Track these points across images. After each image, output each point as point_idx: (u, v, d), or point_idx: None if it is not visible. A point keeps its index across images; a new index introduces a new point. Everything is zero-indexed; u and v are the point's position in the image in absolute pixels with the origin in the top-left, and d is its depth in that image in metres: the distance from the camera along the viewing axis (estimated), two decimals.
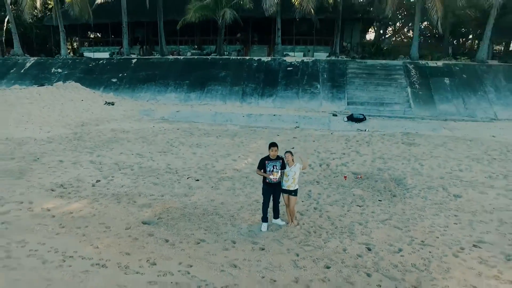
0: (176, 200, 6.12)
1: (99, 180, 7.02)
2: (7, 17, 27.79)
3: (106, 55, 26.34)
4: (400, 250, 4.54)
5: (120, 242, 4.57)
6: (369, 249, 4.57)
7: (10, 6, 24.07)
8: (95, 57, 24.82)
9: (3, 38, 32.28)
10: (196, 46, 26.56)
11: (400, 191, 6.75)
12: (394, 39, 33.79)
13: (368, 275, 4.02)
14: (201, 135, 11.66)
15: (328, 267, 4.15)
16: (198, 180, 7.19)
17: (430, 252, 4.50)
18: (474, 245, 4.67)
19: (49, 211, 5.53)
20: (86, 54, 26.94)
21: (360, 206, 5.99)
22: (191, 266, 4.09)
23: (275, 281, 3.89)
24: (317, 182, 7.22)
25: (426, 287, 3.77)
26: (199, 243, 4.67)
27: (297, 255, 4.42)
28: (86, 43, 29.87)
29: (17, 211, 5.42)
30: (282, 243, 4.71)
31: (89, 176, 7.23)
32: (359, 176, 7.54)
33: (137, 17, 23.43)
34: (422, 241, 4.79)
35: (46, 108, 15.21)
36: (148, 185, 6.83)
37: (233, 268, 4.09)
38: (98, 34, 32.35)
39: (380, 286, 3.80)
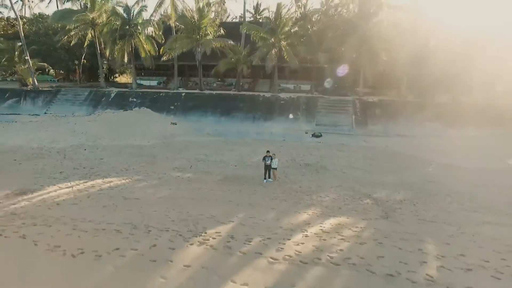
0: (229, 173, 13.38)
1: (191, 166, 14.37)
2: (84, 54, 36.00)
3: (154, 83, 34.35)
4: (320, 187, 11.79)
5: (200, 187, 11.90)
6: (310, 187, 11.72)
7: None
8: (146, 84, 32.97)
9: (81, 70, 40.21)
10: (219, 79, 34.18)
11: (323, 171, 13.96)
12: None
13: (309, 194, 11.22)
14: (232, 144, 18.97)
15: (286, 193, 11.38)
16: (236, 166, 14.49)
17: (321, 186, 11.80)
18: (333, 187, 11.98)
19: (178, 177, 12.87)
20: (140, 82, 34.72)
21: (303, 175, 13.13)
22: (240, 190, 11.38)
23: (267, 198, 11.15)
24: (287, 167, 14.33)
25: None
26: (242, 186, 11.96)
27: (276, 189, 11.58)
28: (142, 74, 37.64)
29: (157, 180, 12.80)
30: (272, 185, 11.90)
31: (187, 163, 14.58)
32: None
33: (182, 60, 31.02)
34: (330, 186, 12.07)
35: (136, 125, 22.69)
36: (214, 168, 14.15)
37: (253, 192, 11.35)
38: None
39: (313, 201, 11.08)
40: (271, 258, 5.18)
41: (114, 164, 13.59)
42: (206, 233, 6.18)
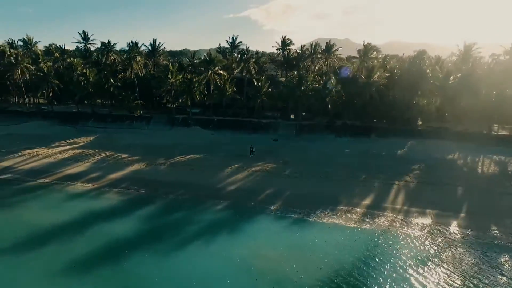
0: (235, 153, 39.38)
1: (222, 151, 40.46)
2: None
3: (197, 110, 60.34)
4: (264, 158, 37.70)
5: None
6: (264, 159, 37.76)
7: None
8: (194, 111, 59.12)
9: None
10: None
11: (275, 153, 39.82)
12: None
13: (258, 160, 37.14)
14: (238, 142, 44.94)
15: (254, 159, 37.35)
16: (237, 151, 40.54)
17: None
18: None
19: None
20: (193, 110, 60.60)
21: (265, 155, 39.12)
22: (240, 159, 37.38)
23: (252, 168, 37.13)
24: (259, 151, 40.28)
25: None
26: (241, 157, 37.86)
27: (252, 159, 37.50)
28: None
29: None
30: (251, 158, 37.83)
31: (220, 150, 40.62)
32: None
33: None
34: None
35: (194, 135, 48.82)
36: (228, 151, 40.20)
37: (243, 159, 37.28)
38: None
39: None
40: (252, 170, 31.26)
41: (191, 148, 39.90)
42: (231, 167, 32.32)
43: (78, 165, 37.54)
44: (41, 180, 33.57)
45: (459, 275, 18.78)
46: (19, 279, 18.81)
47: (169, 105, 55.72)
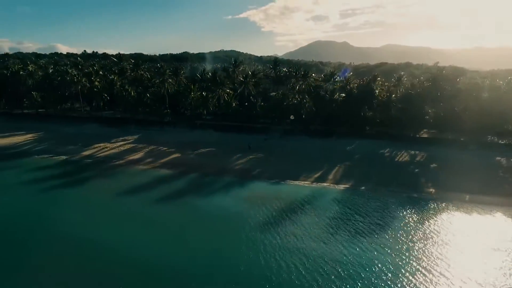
0: (239, 147, 59.38)
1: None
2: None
3: (210, 117, 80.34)
4: (257, 150, 57.80)
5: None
6: (259, 151, 57.76)
7: None
8: (208, 118, 79.24)
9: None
10: None
11: (266, 148, 59.81)
12: None
13: (255, 151, 57.22)
14: (244, 141, 64.88)
15: (250, 151, 57.34)
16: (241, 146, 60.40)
17: None
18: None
19: None
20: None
21: (257, 149, 59.07)
22: (242, 150, 57.38)
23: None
24: (254, 145, 60.20)
25: None
26: (243, 150, 57.83)
27: (248, 151, 57.46)
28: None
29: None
30: (248, 150, 57.77)
31: (227, 146, 60.68)
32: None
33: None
34: None
35: (210, 135, 68.86)
36: (236, 145, 60.15)
37: (244, 151, 57.24)
38: None
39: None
40: (249, 158, 51.35)
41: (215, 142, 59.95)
42: (235, 156, 52.40)
43: (136, 154, 57.32)
44: (116, 163, 53.34)
45: (358, 210, 38.54)
46: (123, 226, 38.47)
47: (189, 114, 75.59)
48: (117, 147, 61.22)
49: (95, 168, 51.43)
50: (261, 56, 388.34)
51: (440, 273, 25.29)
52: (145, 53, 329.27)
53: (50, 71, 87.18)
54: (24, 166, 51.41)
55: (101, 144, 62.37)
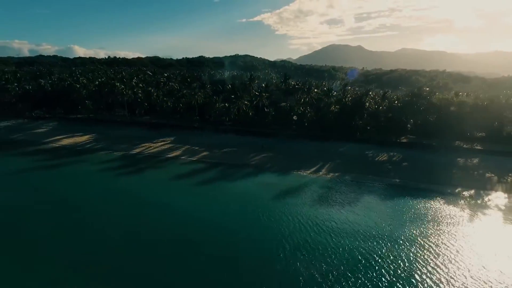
0: (254, 145, 76.24)
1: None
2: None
3: (231, 123, 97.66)
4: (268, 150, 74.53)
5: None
6: (273, 149, 74.62)
7: None
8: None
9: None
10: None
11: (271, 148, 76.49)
12: None
13: (267, 149, 74.10)
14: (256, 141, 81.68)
15: (264, 149, 74.17)
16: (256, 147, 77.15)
17: None
18: None
19: None
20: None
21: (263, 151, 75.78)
22: (255, 149, 74.20)
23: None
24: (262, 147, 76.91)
25: None
26: (258, 149, 74.71)
27: (258, 150, 74.41)
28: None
29: None
30: (261, 150, 74.62)
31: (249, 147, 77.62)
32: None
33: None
34: None
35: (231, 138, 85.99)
36: (251, 146, 77.08)
37: (258, 150, 74.06)
38: None
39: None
40: (262, 156, 68.28)
41: (239, 144, 77.08)
42: (251, 154, 69.28)
43: (175, 151, 74.59)
44: (162, 158, 70.74)
45: (340, 189, 54.66)
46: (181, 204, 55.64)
47: (214, 120, 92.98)
48: (159, 146, 78.80)
49: (148, 161, 68.87)
50: (274, 61, 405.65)
51: (369, 225, 41.32)
52: (161, 56, 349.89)
53: (97, 82, 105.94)
54: (94, 159, 69.19)
55: (146, 144, 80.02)
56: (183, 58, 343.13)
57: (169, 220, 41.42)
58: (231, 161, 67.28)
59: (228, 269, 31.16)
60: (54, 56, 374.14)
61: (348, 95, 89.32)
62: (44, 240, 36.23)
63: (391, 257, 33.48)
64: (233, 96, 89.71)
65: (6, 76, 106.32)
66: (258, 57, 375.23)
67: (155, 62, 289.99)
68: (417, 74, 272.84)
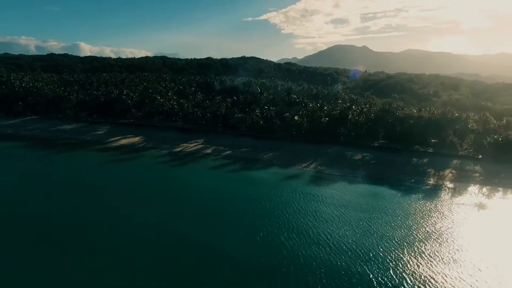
0: (265, 147, 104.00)
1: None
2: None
3: (246, 129, 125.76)
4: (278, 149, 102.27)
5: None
6: (284, 152, 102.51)
7: None
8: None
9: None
10: None
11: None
12: None
13: (274, 149, 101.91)
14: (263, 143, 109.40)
15: (272, 149, 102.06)
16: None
17: None
18: None
19: None
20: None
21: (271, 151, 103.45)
22: (262, 149, 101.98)
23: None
24: (270, 148, 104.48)
25: None
26: (269, 150, 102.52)
27: (266, 150, 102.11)
28: None
29: None
30: (269, 151, 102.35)
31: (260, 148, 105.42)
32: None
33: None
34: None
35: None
36: (263, 147, 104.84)
37: (267, 151, 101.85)
38: None
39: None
40: (270, 154, 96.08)
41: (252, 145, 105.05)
42: (262, 153, 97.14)
43: (207, 150, 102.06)
44: (198, 155, 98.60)
45: (322, 177, 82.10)
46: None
47: (233, 126, 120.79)
48: (193, 146, 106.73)
49: (189, 156, 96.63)
50: (280, 63, 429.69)
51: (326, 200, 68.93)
52: (167, 54, 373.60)
53: (138, 94, 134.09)
54: (150, 155, 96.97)
55: (184, 144, 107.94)
56: (192, 59, 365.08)
57: (209, 194, 68.70)
58: (248, 158, 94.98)
59: (239, 214, 58.74)
60: (65, 55, 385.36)
61: (338, 108, 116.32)
62: (129, 208, 64.05)
63: (345, 219, 60.87)
64: (247, 109, 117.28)
65: (69, 88, 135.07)
66: (264, 59, 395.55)
67: (168, 65, 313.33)
68: (411, 81, 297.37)
